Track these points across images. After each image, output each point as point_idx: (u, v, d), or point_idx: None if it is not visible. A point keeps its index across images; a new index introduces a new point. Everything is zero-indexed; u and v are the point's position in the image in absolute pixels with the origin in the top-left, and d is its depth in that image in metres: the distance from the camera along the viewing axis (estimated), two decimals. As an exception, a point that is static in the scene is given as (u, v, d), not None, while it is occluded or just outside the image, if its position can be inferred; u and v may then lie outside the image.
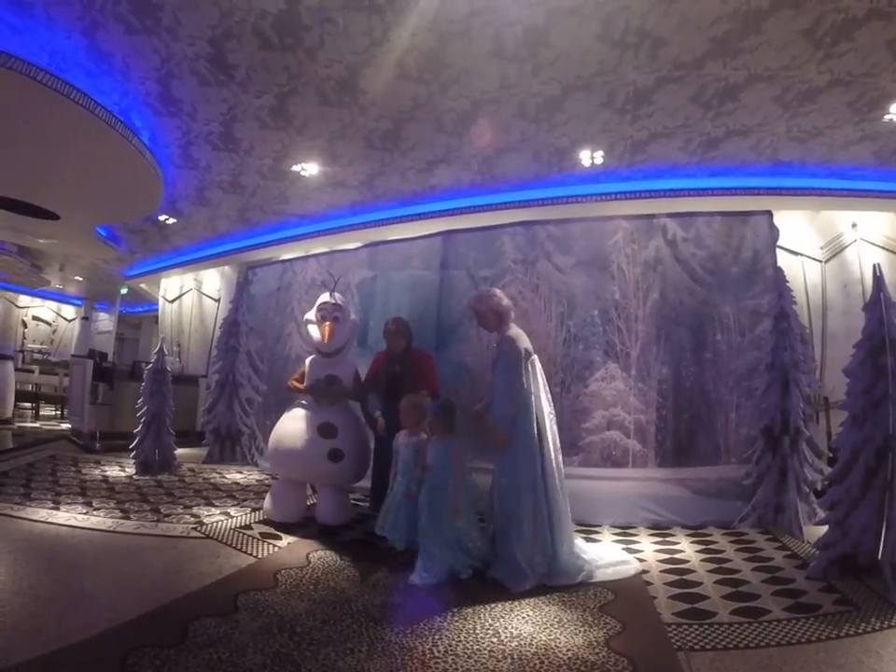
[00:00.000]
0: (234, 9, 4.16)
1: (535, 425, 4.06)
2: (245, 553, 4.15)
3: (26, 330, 17.86)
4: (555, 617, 3.18)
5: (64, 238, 10.14)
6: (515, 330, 4.31)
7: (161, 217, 8.84)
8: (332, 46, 4.50)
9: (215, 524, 4.83)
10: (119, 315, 17.83)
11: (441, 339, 5.39)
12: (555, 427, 4.28)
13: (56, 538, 4.21)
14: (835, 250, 6.88)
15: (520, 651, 2.72)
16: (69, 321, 19.07)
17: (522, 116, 5.36)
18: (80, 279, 15.13)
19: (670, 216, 6.10)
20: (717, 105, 5.01)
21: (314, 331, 5.17)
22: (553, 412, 4.31)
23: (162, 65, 4.92)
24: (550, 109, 5.24)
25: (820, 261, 7.07)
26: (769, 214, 5.89)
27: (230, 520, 4.99)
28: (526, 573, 3.75)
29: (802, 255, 7.05)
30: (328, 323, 5.11)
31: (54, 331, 18.86)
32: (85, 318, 18.04)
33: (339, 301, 5.29)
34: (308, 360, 5.33)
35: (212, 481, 6.82)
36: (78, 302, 18.42)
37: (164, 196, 7.69)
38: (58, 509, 4.97)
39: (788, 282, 5.50)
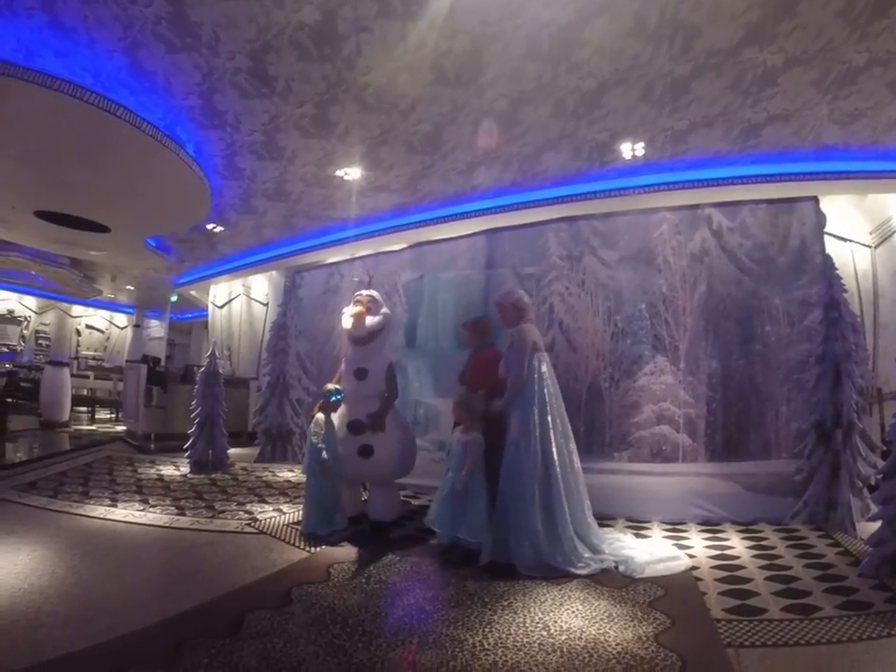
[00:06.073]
0: (272, 23, 4.29)
1: (534, 415, 4.20)
2: (299, 547, 4.28)
3: (80, 338, 18.74)
4: (605, 612, 3.20)
5: (115, 249, 10.50)
6: (528, 326, 4.51)
7: (209, 226, 9.09)
8: (370, 54, 4.58)
9: (268, 520, 4.99)
10: (170, 321, 18.41)
11: (489, 337, 5.44)
12: (567, 424, 4.40)
13: (114, 533, 4.43)
14: (885, 235, 6.60)
15: (569, 645, 2.75)
16: (121, 329, 19.85)
17: (560, 113, 5.35)
18: (131, 288, 15.66)
19: (715, 205, 6.02)
20: (756, 91, 4.90)
21: (346, 320, 5.16)
22: (561, 407, 4.41)
23: (204, 80, 5.08)
24: (588, 105, 5.21)
25: (870, 247, 6.80)
26: (815, 200, 5.76)
27: (282, 516, 5.14)
28: (511, 549, 3.96)
29: (850, 241, 6.78)
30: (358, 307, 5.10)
31: (107, 339, 19.66)
32: (137, 326, 18.70)
33: (374, 295, 5.32)
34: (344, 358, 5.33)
35: (264, 479, 7.02)
36: (130, 311, 19.11)
37: (211, 205, 7.91)
38: (115, 506, 5.22)
39: (837, 269, 5.35)
